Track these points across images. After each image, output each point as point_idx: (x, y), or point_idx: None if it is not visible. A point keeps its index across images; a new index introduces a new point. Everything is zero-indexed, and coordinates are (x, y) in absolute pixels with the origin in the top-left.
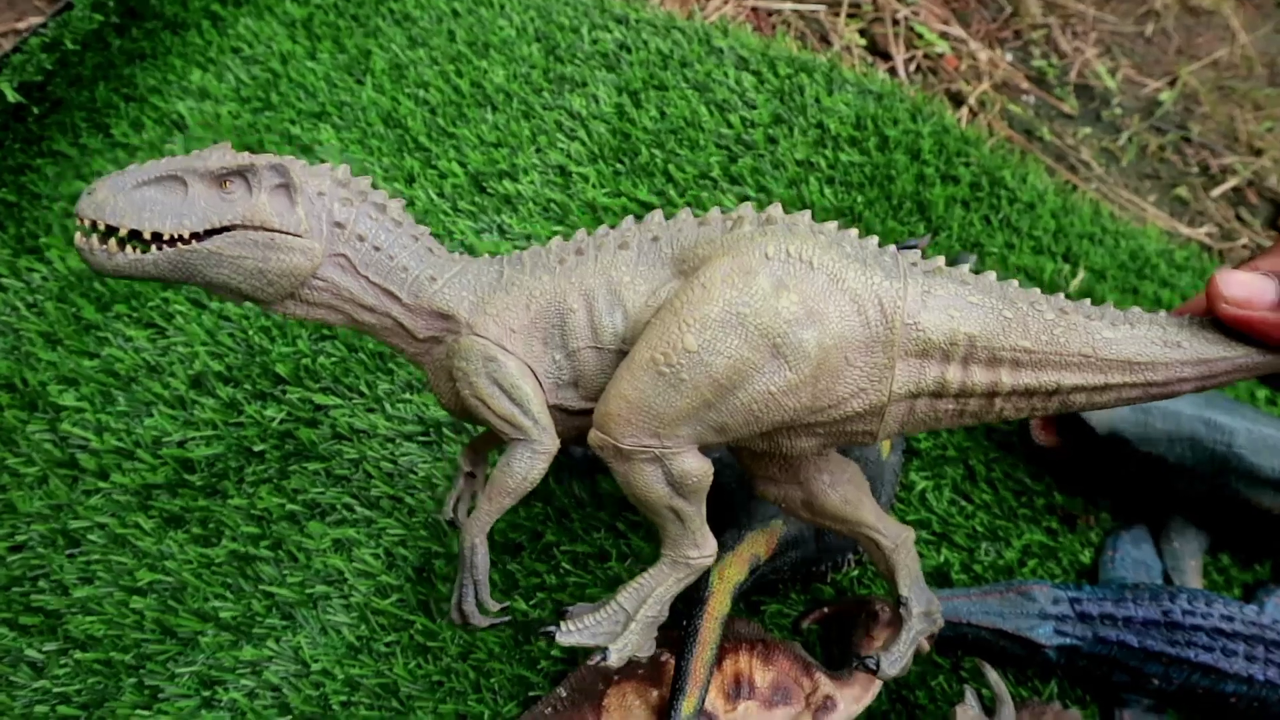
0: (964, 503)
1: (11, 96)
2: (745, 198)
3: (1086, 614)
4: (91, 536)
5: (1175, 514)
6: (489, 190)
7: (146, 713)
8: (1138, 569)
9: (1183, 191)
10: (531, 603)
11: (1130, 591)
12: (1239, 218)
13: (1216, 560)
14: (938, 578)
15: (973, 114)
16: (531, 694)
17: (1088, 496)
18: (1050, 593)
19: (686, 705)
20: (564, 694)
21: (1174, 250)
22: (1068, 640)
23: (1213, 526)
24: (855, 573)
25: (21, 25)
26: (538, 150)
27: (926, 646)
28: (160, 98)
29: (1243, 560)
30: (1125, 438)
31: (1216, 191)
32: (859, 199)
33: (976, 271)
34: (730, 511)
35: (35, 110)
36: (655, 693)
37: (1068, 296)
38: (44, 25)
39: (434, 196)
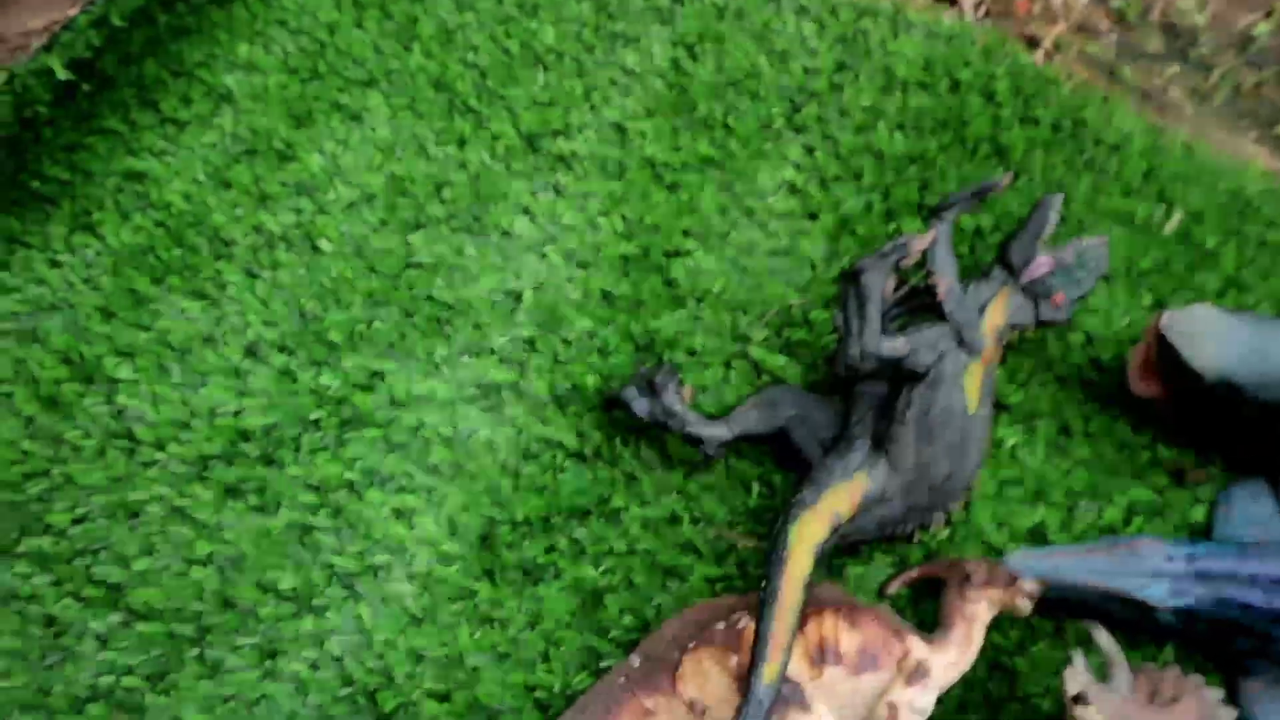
0: (1060, 458)
1: (61, 74)
2: (810, 148)
3: (1205, 572)
4: (150, 508)
5: None
6: (543, 150)
7: (210, 684)
8: (1256, 526)
9: None
10: (601, 570)
11: (1254, 548)
12: None
13: None
14: (1034, 538)
15: (1048, 57)
16: (603, 664)
17: (1197, 449)
18: (1164, 549)
19: (768, 671)
20: (637, 663)
21: (1278, 189)
22: (1185, 601)
23: None
24: (944, 534)
25: (73, 12)
26: (592, 108)
27: (1027, 609)
28: (208, 71)
29: None
30: (1238, 384)
31: None
32: (932, 144)
33: (1063, 218)
34: (809, 468)
35: (85, 87)
36: (734, 659)
37: (1163, 240)
38: (92, 3)
39: (486, 159)
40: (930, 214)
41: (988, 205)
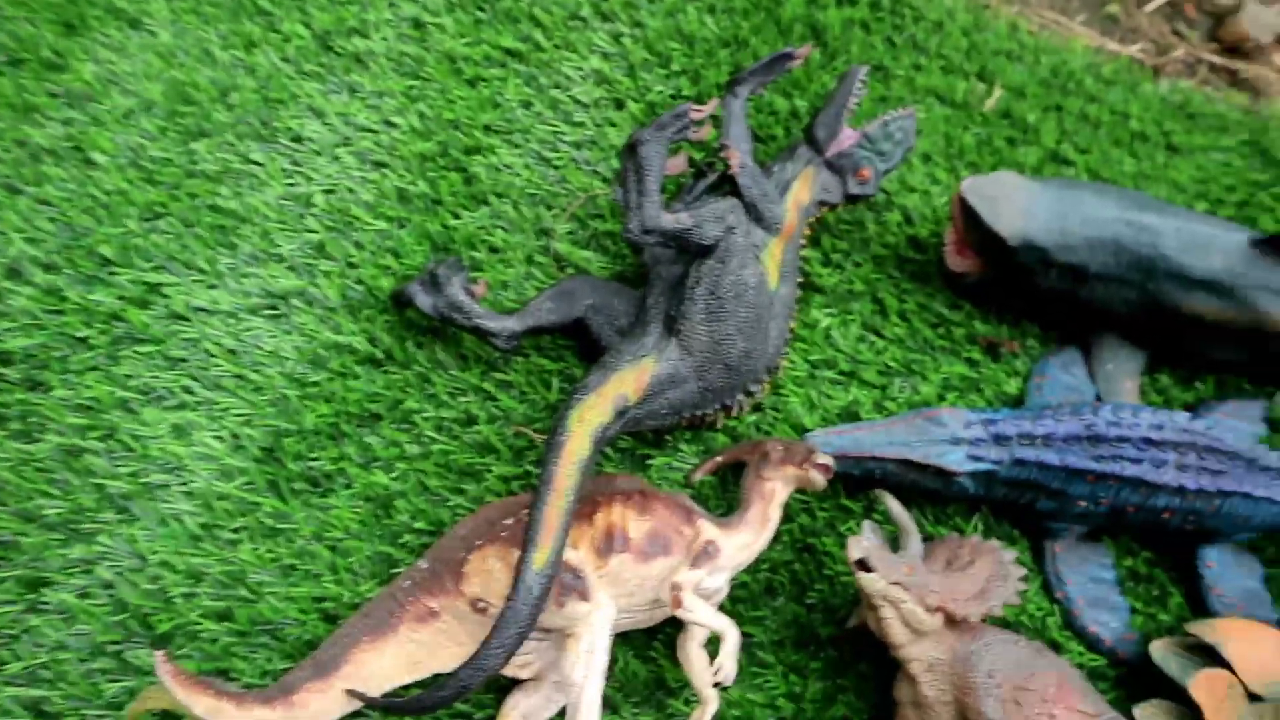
0: (874, 338)
1: None
2: (618, 35)
3: (1002, 435)
4: None
5: (1105, 332)
6: (337, 50)
7: None
8: (1069, 395)
9: (1114, 9)
10: (393, 475)
11: (1050, 409)
12: (1175, 32)
13: (1155, 381)
14: (846, 417)
15: None
16: (395, 571)
17: (1012, 323)
18: (962, 416)
19: (539, 558)
20: (425, 565)
21: (1101, 65)
22: (982, 465)
23: (1147, 342)
24: (752, 417)
25: None
26: (390, 4)
27: (821, 482)
28: None
29: (1183, 378)
30: (1041, 246)
31: (1150, 6)
32: (744, 26)
33: (883, 99)
34: (597, 351)
35: None
36: (517, 554)
37: (983, 116)
38: None
39: (277, 61)
40: (725, 88)
41: (803, 87)
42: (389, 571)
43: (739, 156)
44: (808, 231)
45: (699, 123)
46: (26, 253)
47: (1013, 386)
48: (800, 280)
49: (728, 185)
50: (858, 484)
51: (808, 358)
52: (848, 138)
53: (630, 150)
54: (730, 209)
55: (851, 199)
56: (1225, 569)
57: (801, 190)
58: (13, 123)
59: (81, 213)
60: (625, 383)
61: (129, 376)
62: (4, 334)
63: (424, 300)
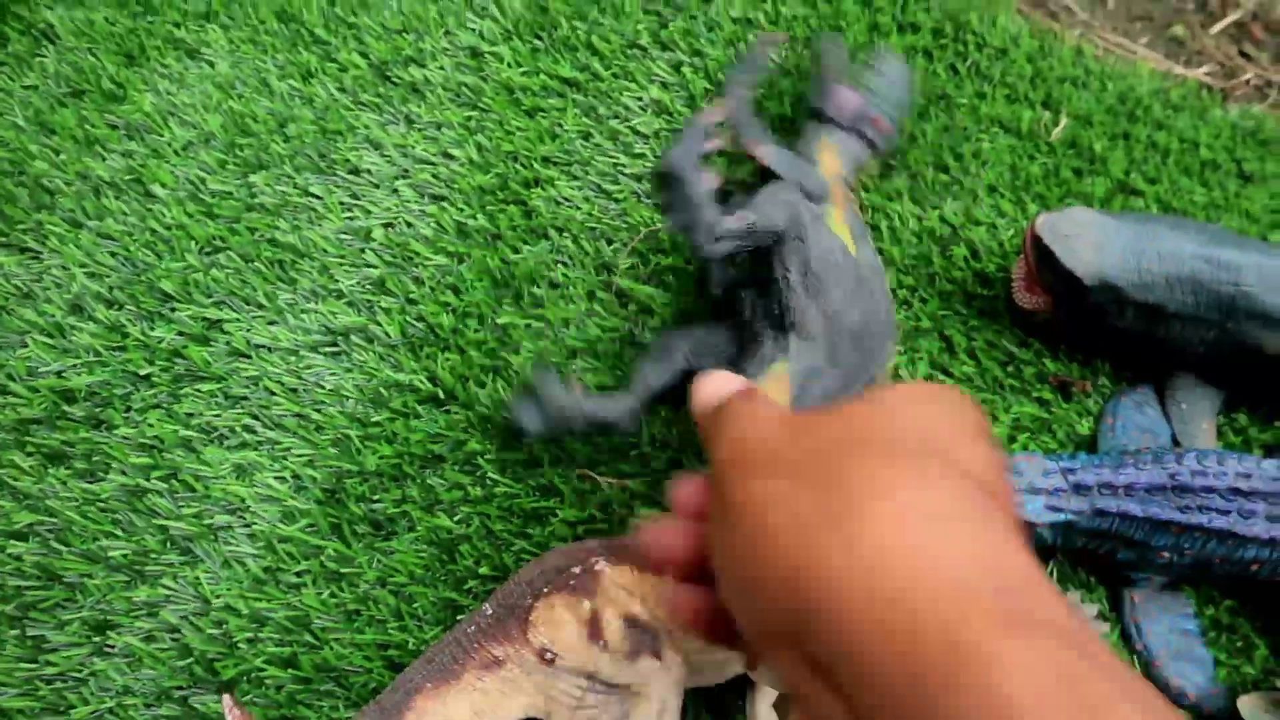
0: (943, 377)
1: None
2: (678, 65)
3: (1082, 484)
4: None
5: (1182, 371)
6: (394, 80)
7: (32, 665)
8: (1143, 436)
9: (1179, 30)
10: (456, 518)
11: (1131, 457)
12: (1243, 54)
13: (1232, 420)
14: None
15: None
16: (459, 617)
17: (1084, 361)
18: (1039, 464)
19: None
20: (490, 610)
21: (1169, 89)
22: (1062, 516)
23: (1225, 381)
24: None
25: None
26: (447, 33)
27: None
28: (24, 6)
29: (1262, 417)
30: (1117, 285)
31: (1216, 28)
32: (804, 55)
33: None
34: None
35: None
36: (587, 605)
37: (1050, 146)
38: None
39: (334, 91)
40: (719, 94)
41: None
42: (453, 617)
43: (763, 147)
44: (855, 200)
45: (717, 128)
46: (89, 288)
47: (1085, 427)
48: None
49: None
50: None
51: None
52: (846, 95)
53: (663, 177)
54: (781, 188)
55: (877, 149)
56: None
57: (828, 160)
58: (75, 155)
59: (142, 247)
60: (773, 397)
61: (191, 415)
62: (68, 371)
63: (532, 420)
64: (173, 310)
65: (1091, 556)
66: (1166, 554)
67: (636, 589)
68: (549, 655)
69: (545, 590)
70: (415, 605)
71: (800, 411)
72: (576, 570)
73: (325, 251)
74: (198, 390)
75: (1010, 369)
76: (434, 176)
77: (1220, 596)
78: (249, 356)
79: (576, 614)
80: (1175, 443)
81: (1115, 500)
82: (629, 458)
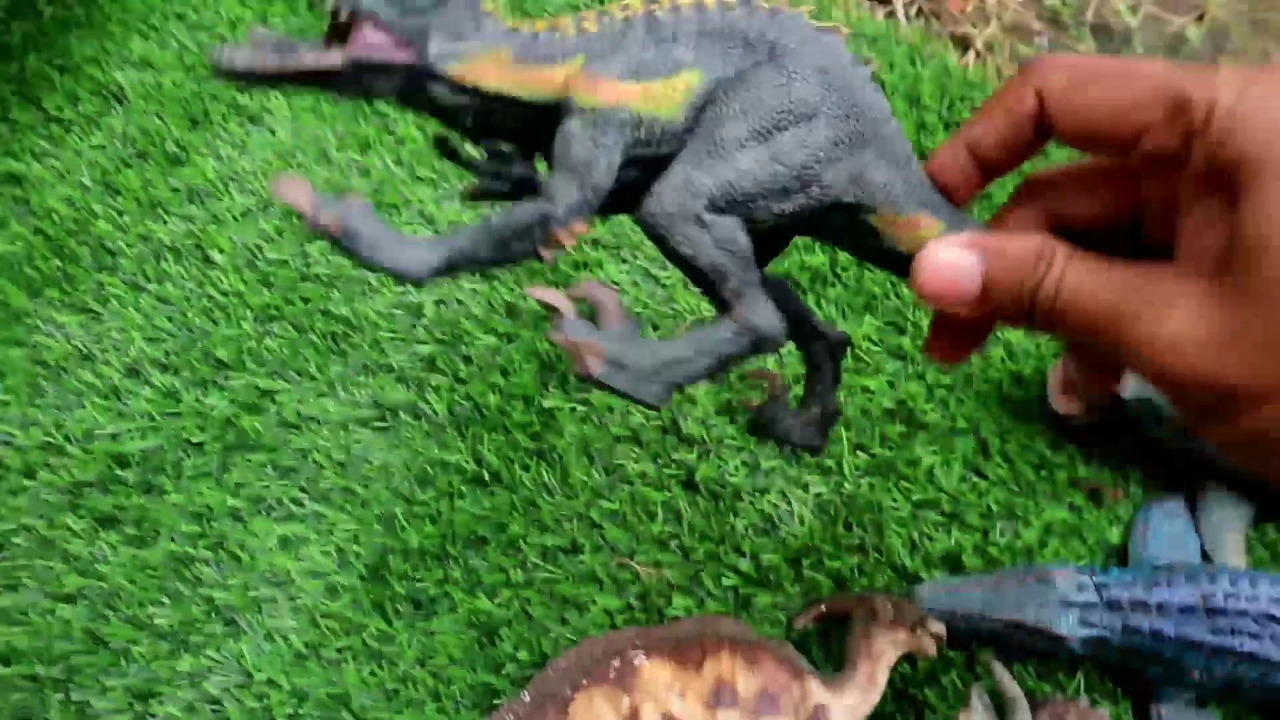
0: (976, 479)
1: None
2: None
3: (1115, 601)
4: (16, 540)
5: (1213, 482)
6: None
7: None
8: (1173, 546)
9: None
10: (497, 601)
11: (1164, 574)
12: None
13: (1262, 534)
14: (949, 563)
15: (979, 58)
16: (497, 702)
17: (1115, 468)
18: (1074, 578)
19: None
20: (527, 698)
21: None
22: (1094, 632)
23: (1256, 495)
24: (855, 559)
25: None
26: None
27: (932, 650)
28: (97, 68)
29: None
30: (1155, 403)
31: None
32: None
33: None
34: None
35: None
36: (626, 700)
37: None
38: None
39: (390, 164)
40: None
41: None
42: (490, 701)
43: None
44: None
45: None
46: (146, 353)
47: (1115, 535)
48: (904, 417)
49: None
50: (960, 637)
51: (911, 497)
52: None
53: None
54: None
55: None
56: None
57: None
58: (138, 217)
59: (200, 313)
60: None
61: (240, 485)
62: (123, 435)
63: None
64: (226, 379)
65: (1121, 669)
66: (1196, 673)
67: (675, 685)
68: None
69: (584, 681)
70: (453, 687)
71: None
72: (615, 663)
73: (377, 325)
74: (248, 460)
75: (1043, 473)
76: None
77: (1246, 714)
78: (299, 428)
79: (616, 707)
80: (1205, 555)
81: (1147, 619)
82: (668, 548)
